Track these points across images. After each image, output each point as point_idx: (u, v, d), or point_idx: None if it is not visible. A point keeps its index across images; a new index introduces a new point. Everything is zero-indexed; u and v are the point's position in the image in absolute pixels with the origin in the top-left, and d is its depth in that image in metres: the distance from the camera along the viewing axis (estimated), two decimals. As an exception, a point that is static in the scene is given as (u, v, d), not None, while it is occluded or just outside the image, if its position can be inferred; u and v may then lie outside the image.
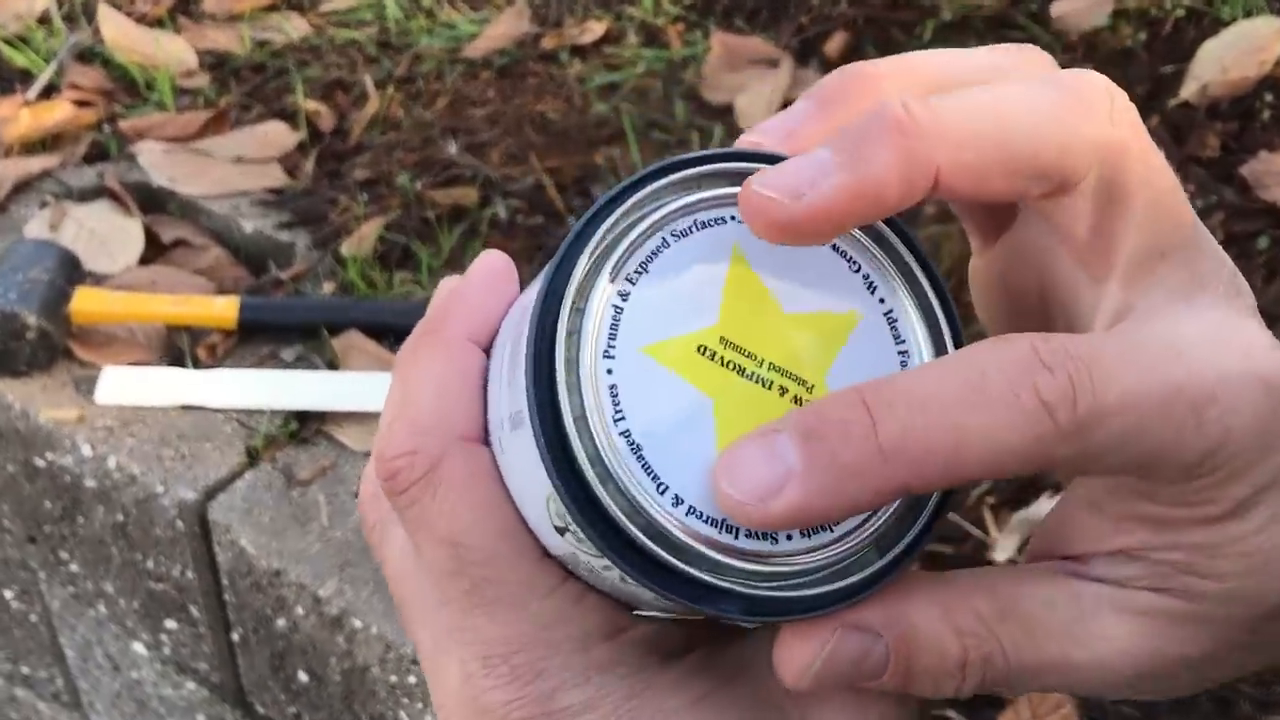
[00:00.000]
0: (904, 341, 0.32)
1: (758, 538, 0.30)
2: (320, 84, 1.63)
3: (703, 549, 0.30)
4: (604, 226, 0.31)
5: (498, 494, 0.34)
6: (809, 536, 0.31)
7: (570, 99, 1.55)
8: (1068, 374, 0.27)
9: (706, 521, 0.30)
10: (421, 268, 1.33)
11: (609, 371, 0.30)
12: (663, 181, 0.31)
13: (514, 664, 0.33)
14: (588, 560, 0.32)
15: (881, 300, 0.32)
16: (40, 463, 1.24)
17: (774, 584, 0.30)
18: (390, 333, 1.25)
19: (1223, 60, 1.38)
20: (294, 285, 1.34)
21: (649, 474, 0.29)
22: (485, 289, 0.36)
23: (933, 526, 0.32)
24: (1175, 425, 0.28)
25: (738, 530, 0.30)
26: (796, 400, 0.31)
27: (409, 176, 1.45)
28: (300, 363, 1.24)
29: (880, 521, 0.31)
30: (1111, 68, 1.45)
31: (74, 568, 1.33)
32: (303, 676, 1.15)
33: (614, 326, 0.30)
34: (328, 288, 1.33)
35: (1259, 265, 1.24)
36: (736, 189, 0.30)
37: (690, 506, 0.30)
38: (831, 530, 0.31)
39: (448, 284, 0.38)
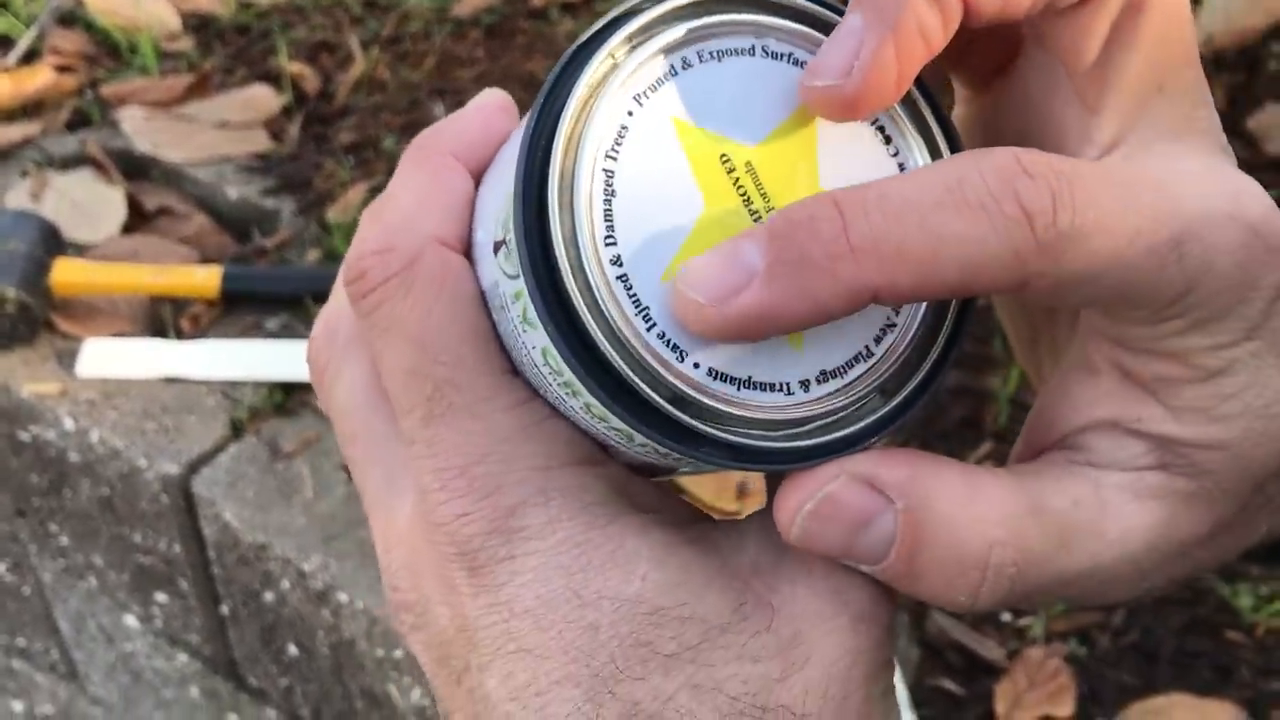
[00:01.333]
0: (884, 129, 0.31)
1: (752, 387, 0.28)
2: (305, 46, 1.60)
3: (694, 393, 0.28)
4: (591, 64, 0.29)
5: (472, 298, 0.32)
6: (806, 389, 0.29)
7: (560, 57, 1.51)
8: (1049, 184, 0.26)
9: (708, 373, 0.28)
10: (408, 233, 1.30)
11: (606, 203, 0.28)
12: (628, 29, 0.29)
13: (471, 475, 0.31)
14: (578, 405, 0.30)
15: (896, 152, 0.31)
16: (25, 436, 1.22)
17: (763, 431, 0.29)
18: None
19: (1229, 9, 1.34)
20: (279, 253, 1.32)
21: (636, 305, 0.28)
22: (482, 118, 0.34)
23: (945, 363, 0.29)
24: (1155, 255, 0.27)
25: (729, 377, 0.28)
26: None
27: (395, 140, 1.43)
28: (285, 333, 1.22)
29: (885, 368, 0.29)
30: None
31: (63, 540, 1.31)
32: (292, 649, 1.14)
33: (653, 92, 0.28)
34: (313, 255, 1.30)
35: (1265, 220, 1.21)
36: (700, 20, 0.29)
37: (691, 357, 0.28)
38: (829, 380, 0.29)
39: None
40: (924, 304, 0.30)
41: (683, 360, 0.28)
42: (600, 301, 0.27)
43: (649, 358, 0.27)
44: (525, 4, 1.62)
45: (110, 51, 1.63)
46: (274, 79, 1.54)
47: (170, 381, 1.18)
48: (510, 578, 0.30)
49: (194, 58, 1.60)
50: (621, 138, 0.28)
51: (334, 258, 1.30)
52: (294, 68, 1.55)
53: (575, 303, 0.27)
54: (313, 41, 1.61)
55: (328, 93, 1.53)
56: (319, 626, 1.07)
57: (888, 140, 0.30)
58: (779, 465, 0.29)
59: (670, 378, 0.28)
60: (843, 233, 0.25)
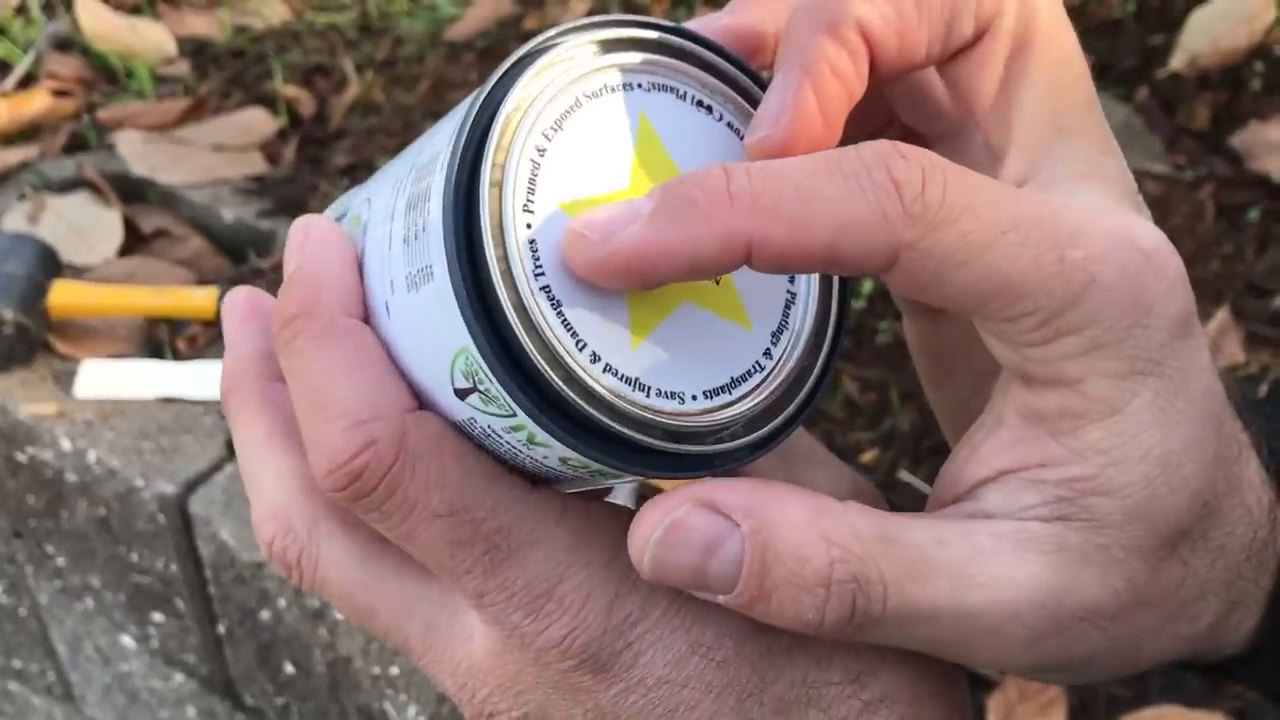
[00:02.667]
0: (722, 116, 0.33)
1: (667, 396, 0.30)
2: (300, 69, 1.62)
3: (619, 403, 0.29)
4: (520, 82, 0.30)
5: (468, 443, 0.32)
6: (711, 397, 0.31)
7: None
8: (920, 164, 0.27)
9: (619, 378, 0.30)
10: (403, 254, 1.32)
11: (528, 226, 0.29)
12: (573, 41, 0.31)
13: (559, 597, 0.31)
14: (488, 422, 0.31)
15: (681, 94, 0.33)
16: (21, 457, 1.23)
17: (682, 438, 0.30)
18: (371, 321, 1.24)
19: (1212, 30, 1.36)
20: (274, 274, 1.33)
21: (568, 329, 0.29)
22: (330, 258, 0.33)
23: (810, 403, 0.32)
24: (1033, 252, 0.27)
25: (649, 389, 0.30)
26: None
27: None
28: (281, 352, 1.23)
29: (770, 390, 0.31)
30: (1100, 38, 1.43)
31: (60, 561, 1.32)
32: (289, 668, 1.14)
33: (532, 181, 0.30)
34: (308, 276, 1.31)
35: (1250, 237, 1.23)
36: (645, 54, 0.31)
37: (606, 364, 0.30)
38: (729, 392, 0.31)
39: (243, 295, 0.37)
40: (807, 327, 0.32)
41: (639, 391, 0.30)
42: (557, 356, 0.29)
43: (607, 393, 0.29)
44: (518, 28, 1.63)
45: (107, 76, 1.65)
46: (269, 102, 1.55)
47: (167, 402, 1.18)
48: (634, 659, 0.32)
49: (190, 82, 1.62)
50: (534, 186, 0.30)
51: (329, 279, 1.31)
52: (289, 91, 1.56)
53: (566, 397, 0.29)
54: (307, 65, 1.63)
55: (323, 116, 1.55)
56: (315, 644, 1.07)
57: (722, 120, 0.33)
58: (684, 471, 0.31)
59: (629, 407, 0.30)
60: (725, 185, 0.27)
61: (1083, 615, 0.30)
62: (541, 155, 0.30)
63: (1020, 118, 0.31)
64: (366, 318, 0.33)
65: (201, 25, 1.70)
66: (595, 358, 0.29)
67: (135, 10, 1.75)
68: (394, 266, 0.32)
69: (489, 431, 0.31)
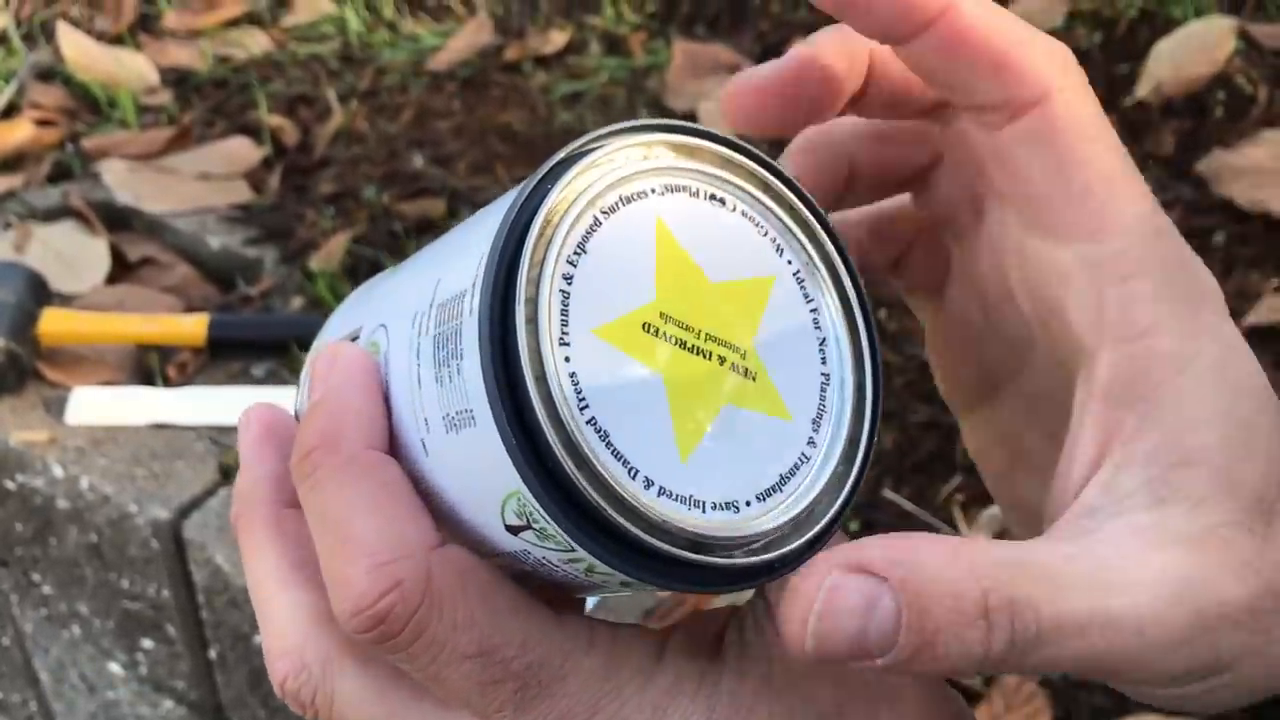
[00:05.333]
0: (812, 300, 0.33)
1: (723, 509, 0.30)
2: (284, 99, 1.63)
3: (677, 527, 0.30)
4: (543, 211, 0.30)
5: (492, 577, 0.31)
6: (764, 500, 0.31)
7: (534, 109, 1.55)
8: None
9: (675, 499, 0.30)
10: (390, 281, 1.33)
11: (566, 359, 0.29)
12: (587, 160, 0.31)
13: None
14: (543, 555, 0.31)
15: (789, 261, 0.33)
16: (10, 485, 1.23)
17: (745, 549, 0.31)
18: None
19: (1175, 59, 1.40)
20: (263, 301, 1.34)
21: (618, 459, 0.29)
22: (357, 390, 0.33)
23: (857, 487, 0.32)
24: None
25: (704, 504, 0.30)
26: (735, 368, 0.31)
27: (375, 189, 1.46)
28: (271, 379, 1.25)
29: (820, 481, 0.32)
30: (1068, 68, 1.47)
31: (47, 589, 1.32)
32: (281, 692, 1.15)
33: (565, 311, 0.29)
34: (297, 303, 1.33)
35: (1216, 260, 1.27)
36: (652, 162, 0.31)
37: (660, 487, 0.30)
38: (780, 490, 0.31)
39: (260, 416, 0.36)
40: (840, 434, 0.33)
41: (695, 509, 0.30)
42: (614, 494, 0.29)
43: (664, 518, 0.30)
44: (499, 58, 1.66)
45: (90, 106, 1.66)
46: (253, 132, 1.57)
47: (159, 428, 1.19)
48: None
49: (173, 111, 1.63)
50: (566, 311, 0.30)
51: (317, 304, 1.32)
52: (273, 120, 1.58)
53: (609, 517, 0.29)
54: (291, 95, 1.64)
55: (306, 144, 1.56)
56: None
57: (734, 211, 0.33)
58: (754, 580, 0.31)
59: (688, 528, 0.30)
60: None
61: (1219, 606, 0.28)
62: (569, 283, 0.30)
63: (1075, 187, 0.32)
64: (393, 449, 0.32)
65: (184, 55, 1.72)
66: (649, 483, 0.29)
67: (117, 40, 1.76)
68: (427, 406, 0.31)
69: (544, 562, 0.31)
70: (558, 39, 1.65)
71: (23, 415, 1.22)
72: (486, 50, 1.67)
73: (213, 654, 1.19)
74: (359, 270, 1.36)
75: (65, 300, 1.32)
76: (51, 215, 1.46)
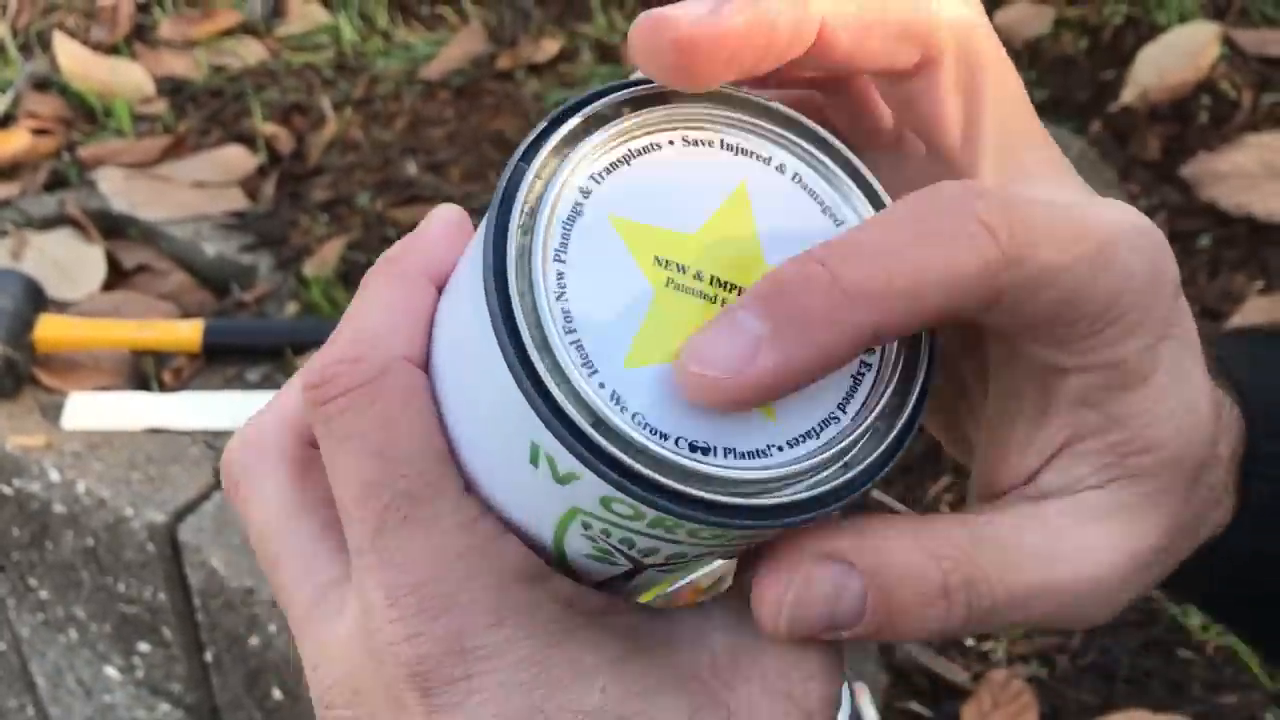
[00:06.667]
0: (821, 199, 0.33)
1: (747, 456, 0.30)
2: (278, 107, 1.65)
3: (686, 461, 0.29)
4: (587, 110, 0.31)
5: (434, 418, 0.32)
6: (792, 447, 0.30)
7: (527, 116, 1.57)
8: (1001, 205, 0.28)
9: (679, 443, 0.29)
10: (384, 286, 1.34)
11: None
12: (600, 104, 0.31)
13: (423, 594, 0.30)
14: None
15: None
16: (7, 490, 1.24)
17: (745, 490, 0.30)
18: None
19: (1160, 65, 1.42)
20: (257, 307, 1.35)
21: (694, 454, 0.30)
22: (446, 235, 0.34)
23: (903, 443, 0.31)
24: (1089, 262, 0.29)
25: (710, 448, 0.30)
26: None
27: (369, 196, 1.47)
28: (265, 384, 1.26)
29: (852, 437, 0.31)
30: (1054, 74, 1.49)
31: (43, 594, 1.33)
32: (277, 694, 1.16)
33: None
34: (291, 309, 1.34)
35: (1202, 262, 1.28)
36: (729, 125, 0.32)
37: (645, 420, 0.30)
38: (811, 438, 0.31)
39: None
40: (896, 348, 0.32)
41: (666, 439, 0.30)
42: (601, 418, 0.29)
43: (649, 444, 0.29)
44: (492, 66, 1.67)
45: (86, 115, 1.67)
46: (248, 140, 1.58)
47: (154, 433, 1.20)
48: (466, 697, 0.30)
49: (169, 120, 1.64)
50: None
51: (312, 311, 1.33)
52: (268, 129, 1.59)
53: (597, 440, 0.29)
54: (285, 103, 1.66)
55: (301, 152, 1.58)
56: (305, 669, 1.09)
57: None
58: (800, 517, 0.30)
59: (672, 456, 0.29)
60: (834, 283, 0.27)
61: (1150, 558, 0.32)
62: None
63: (985, 133, 0.33)
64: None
65: (179, 65, 1.73)
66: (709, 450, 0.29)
67: (113, 50, 1.77)
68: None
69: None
70: (550, 47, 1.66)
71: (19, 420, 1.23)
72: (480, 58, 1.68)
73: (209, 656, 1.20)
74: (352, 277, 1.37)
75: (61, 306, 1.33)
76: (48, 223, 1.47)
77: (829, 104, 0.37)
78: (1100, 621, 0.33)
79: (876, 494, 1.16)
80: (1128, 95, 1.42)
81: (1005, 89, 0.33)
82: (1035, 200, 0.30)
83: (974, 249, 0.28)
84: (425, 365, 0.33)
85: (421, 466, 0.31)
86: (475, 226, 0.33)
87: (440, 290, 0.34)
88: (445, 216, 0.35)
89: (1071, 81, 1.48)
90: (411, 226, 0.37)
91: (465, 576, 0.30)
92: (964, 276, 0.28)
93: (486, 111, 1.60)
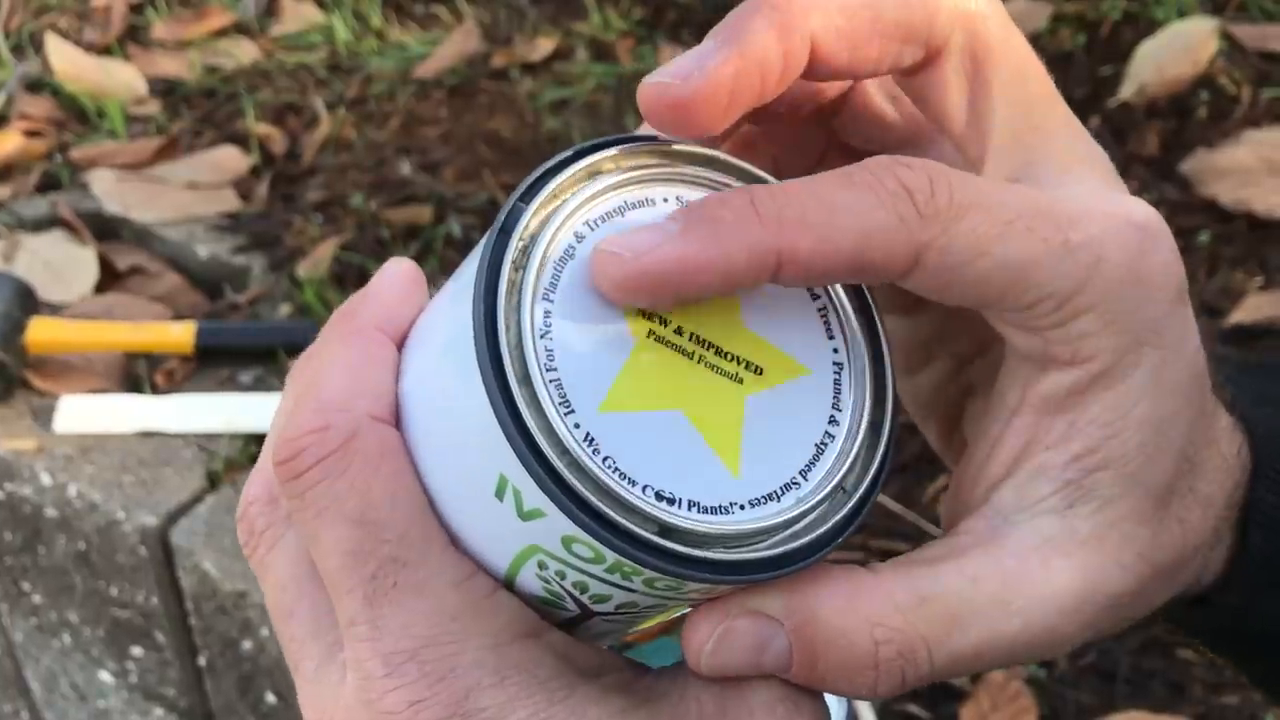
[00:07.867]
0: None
1: (709, 512, 0.30)
2: (271, 108, 1.64)
3: (658, 513, 0.29)
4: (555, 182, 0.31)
5: (411, 474, 0.31)
6: (753, 507, 0.30)
7: (522, 116, 1.56)
8: (927, 174, 0.29)
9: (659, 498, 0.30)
10: (378, 287, 1.33)
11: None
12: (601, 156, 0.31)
13: (422, 660, 0.30)
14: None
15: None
16: (-1, 494, 1.24)
17: (706, 543, 0.30)
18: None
19: (1159, 60, 1.41)
20: (250, 308, 1.34)
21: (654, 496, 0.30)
22: (396, 289, 0.34)
23: (857, 517, 0.31)
24: (1040, 238, 0.29)
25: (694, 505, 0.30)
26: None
27: (363, 197, 1.46)
28: (258, 386, 1.25)
29: (812, 503, 0.31)
30: (1052, 70, 1.48)
31: (36, 599, 1.32)
32: (270, 698, 1.15)
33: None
34: (284, 310, 1.33)
35: (1201, 259, 1.27)
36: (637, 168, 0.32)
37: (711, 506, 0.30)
38: (773, 500, 0.31)
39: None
40: (864, 413, 0.32)
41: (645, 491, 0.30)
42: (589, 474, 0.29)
43: (629, 497, 0.29)
44: (486, 65, 1.67)
45: (78, 116, 1.66)
46: (241, 140, 1.57)
47: (147, 435, 1.19)
48: None
49: (162, 121, 1.63)
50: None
51: (306, 312, 1.32)
52: (261, 129, 1.58)
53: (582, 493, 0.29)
54: (278, 104, 1.65)
55: (294, 153, 1.57)
56: None
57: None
58: (753, 576, 0.30)
59: (647, 509, 0.29)
60: (750, 204, 0.29)
61: (1109, 603, 0.31)
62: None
63: (994, 124, 0.32)
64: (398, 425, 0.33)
65: (172, 66, 1.72)
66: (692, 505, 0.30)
67: (105, 51, 1.77)
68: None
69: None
70: (545, 46, 1.66)
71: (11, 424, 1.22)
72: (474, 58, 1.67)
73: (202, 661, 1.19)
74: (346, 277, 1.36)
75: (54, 309, 1.32)
76: (40, 225, 1.46)
77: (834, 123, 0.37)
78: (1054, 657, 0.32)
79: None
80: (1126, 91, 1.41)
81: (1019, 79, 0.33)
82: (990, 180, 0.30)
83: (890, 205, 0.29)
84: (395, 419, 0.33)
85: (404, 528, 0.31)
86: (429, 276, 0.34)
87: (399, 345, 0.34)
88: (397, 270, 0.35)
89: (1069, 77, 1.47)
90: (405, 227, 0.36)
91: (463, 637, 0.30)
92: (877, 228, 0.28)
93: (481, 111, 1.59)
